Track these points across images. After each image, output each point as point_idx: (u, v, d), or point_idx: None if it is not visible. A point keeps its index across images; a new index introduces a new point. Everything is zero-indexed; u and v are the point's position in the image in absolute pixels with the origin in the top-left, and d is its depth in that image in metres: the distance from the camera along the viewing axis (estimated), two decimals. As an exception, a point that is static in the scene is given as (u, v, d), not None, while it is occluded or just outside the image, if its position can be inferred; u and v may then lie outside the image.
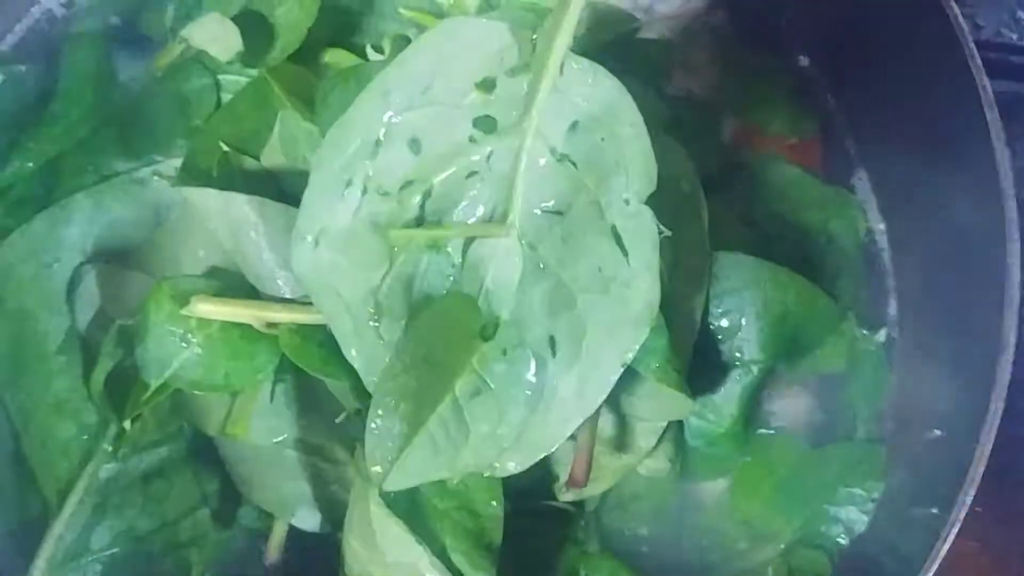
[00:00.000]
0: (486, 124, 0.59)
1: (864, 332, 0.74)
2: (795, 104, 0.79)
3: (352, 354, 0.60)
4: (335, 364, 0.62)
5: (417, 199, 0.60)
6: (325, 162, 0.59)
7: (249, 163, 0.73)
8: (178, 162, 0.74)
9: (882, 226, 0.77)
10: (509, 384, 0.58)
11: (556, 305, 0.58)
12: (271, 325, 0.64)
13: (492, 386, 0.59)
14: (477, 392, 0.58)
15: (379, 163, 0.59)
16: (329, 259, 0.59)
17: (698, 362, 0.66)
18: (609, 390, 0.58)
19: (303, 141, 0.69)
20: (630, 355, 0.57)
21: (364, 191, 0.59)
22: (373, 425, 0.57)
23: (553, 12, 0.58)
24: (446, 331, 0.59)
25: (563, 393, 0.58)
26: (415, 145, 0.59)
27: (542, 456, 0.59)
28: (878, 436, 0.73)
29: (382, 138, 0.59)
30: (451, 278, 0.60)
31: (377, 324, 0.60)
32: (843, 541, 0.71)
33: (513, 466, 0.59)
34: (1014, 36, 0.92)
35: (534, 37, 0.59)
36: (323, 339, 0.62)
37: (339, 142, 0.59)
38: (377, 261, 0.59)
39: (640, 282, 0.57)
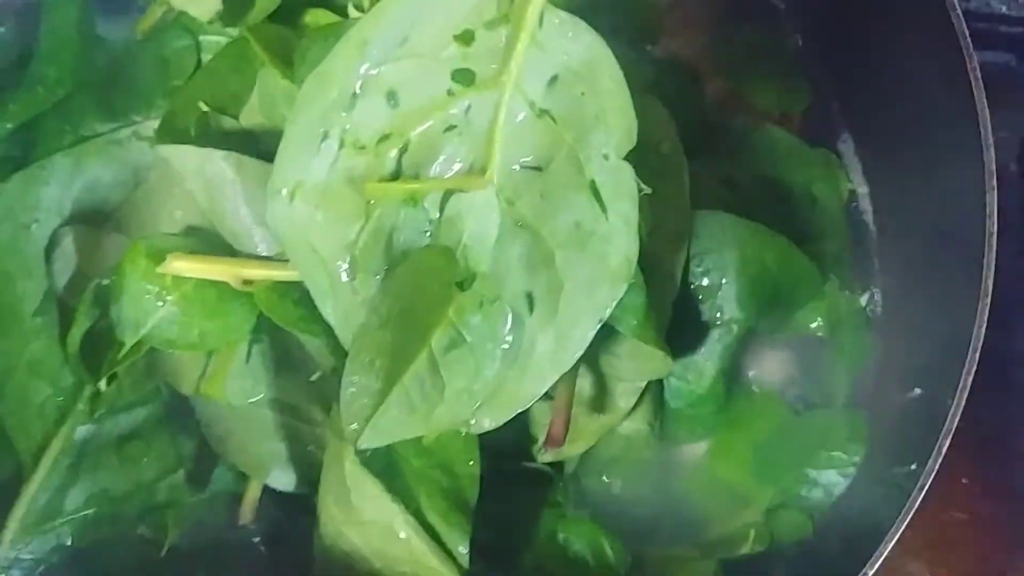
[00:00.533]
0: (464, 77, 0.58)
1: (847, 294, 0.73)
2: (786, 78, 0.78)
3: (327, 310, 0.59)
4: (311, 321, 0.61)
5: (394, 153, 0.59)
6: (301, 115, 0.58)
7: (228, 123, 0.72)
8: (157, 123, 0.73)
9: (865, 189, 0.76)
10: (485, 338, 0.58)
11: (534, 261, 0.58)
12: (247, 283, 0.63)
13: (468, 339, 0.58)
14: (453, 345, 0.58)
15: (356, 116, 0.58)
16: (304, 213, 0.58)
17: (678, 322, 0.66)
18: (585, 347, 0.57)
19: (281, 99, 0.68)
20: (607, 311, 0.56)
21: (340, 144, 0.58)
22: (348, 382, 0.57)
23: (530, -38, 0.57)
24: (422, 284, 0.58)
25: (540, 349, 0.58)
26: (392, 98, 0.58)
27: (517, 413, 0.58)
28: (859, 399, 0.72)
29: (358, 91, 0.58)
30: (428, 233, 0.60)
31: (353, 280, 0.59)
32: (824, 504, 0.70)
33: (488, 423, 0.59)
34: (1003, 7, 0.91)
35: (512, -11, 0.59)
36: (299, 296, 0.62)
37: (315, 95, 0.58)
38: (353, 216, 0.59)
39: (618, 237, 0.56)
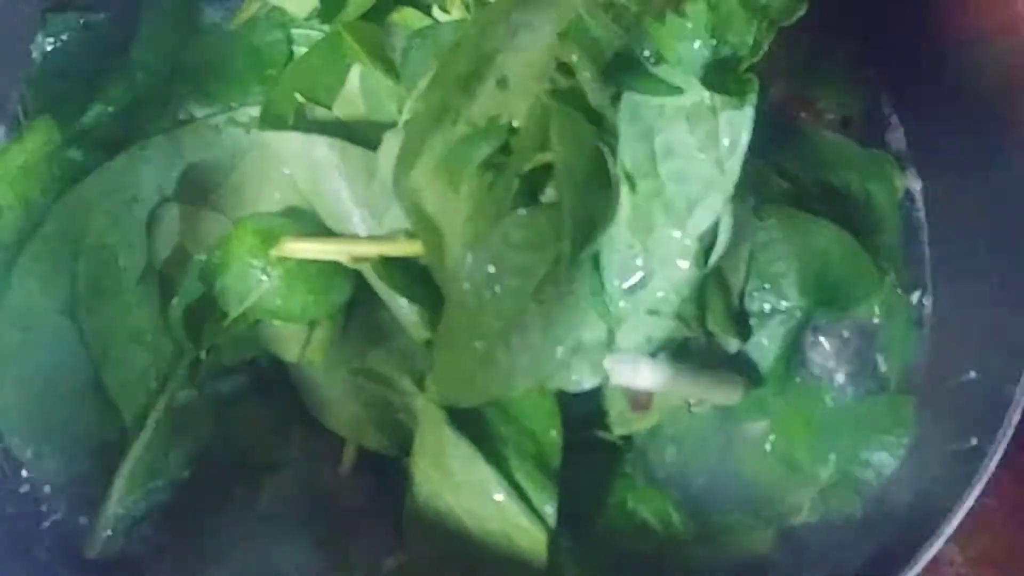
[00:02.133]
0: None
1: (899, 291, 0.78)
2: (845, 80, 0.82)
3: (438, 272, 0.65)
4: (419, 291, 0.67)
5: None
6: (426, 98, 0.64)
7: (322, 112, 0.77)
8: (252, 110, 0.78)
9: (919, 185, 0.81)
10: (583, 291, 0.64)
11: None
12: (357, 259, 0.68)
13: (568, 288, 0.63)
14: (553, 296, 0.63)
15: (471, 97, 0.64)
16: (423, 184, 0.64)
17: (745, 307, 0.72)
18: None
19: (385, 96, 0.73)
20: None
21: (455, 122, 0.64)
22: (443, 342, 0.63)
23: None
24: (530, 242, 0.64)
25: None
26: (503, 83, 0.64)
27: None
28: (910, 387, 0.77)
29: (473, 76, 0.64)
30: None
31: (464, 246, 0.64)
32: (874, 483, 0.75)
33: (589, 383, 0.66)
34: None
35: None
36: (406, 267, 0.67)
37: (438, 80, 0.65)
38: (467, 187, 0.64)
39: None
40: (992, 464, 0.60)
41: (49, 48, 0.80)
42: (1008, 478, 0.84)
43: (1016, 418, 0.60)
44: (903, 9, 0.76)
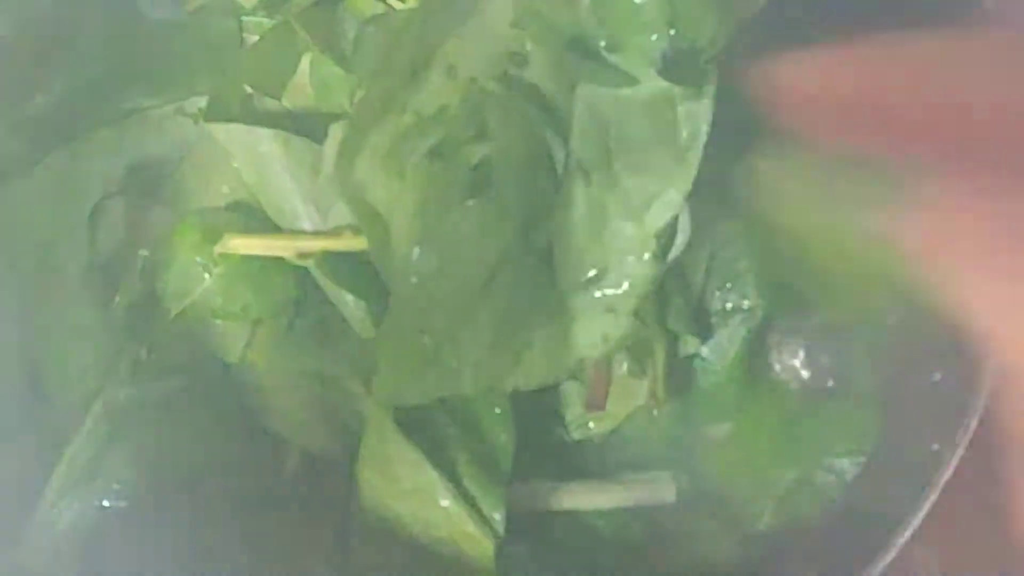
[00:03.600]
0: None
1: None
2: None
3: (384, 266, 0.63)
4: (366, 287, 0.65)
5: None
6: (370, 88, 0.62)
7: (270, 103, 0.74)
8: (200, 100, 0.75)
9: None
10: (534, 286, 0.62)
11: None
12: (302, 256, 0.66)
13: (517, 281, 0.62)
14: (501, 289, 0.61)
15: (418, 87, 0.61)
16: (367, 177, 0.62)
17: (706, 306, 0.70)
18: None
19: (336, 86, 0.71)
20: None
21: (403, 112, 0.61)
22: (388, 338, 0.60)
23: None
24: (477, 234, 0.61)
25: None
26: (452, 72, 0.61)
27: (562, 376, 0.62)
28: (878, 386, 0.75)
29: (421, 64, 0.62)
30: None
31: (409, 239, 0.62)
32: (835, 489, 0.73)
33: (536, 380, 0.63)
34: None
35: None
36: (352, 263, 0.65)
37: (382, 70, 0.62)
38: (412, 179, 0.62)
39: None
40: (948, 471, 0.58)
41: (-13, 37, 0.77)
42: (989, 480, 0.82)
43: (974, 423, 0.58)
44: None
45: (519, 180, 0.62)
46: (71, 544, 0.68)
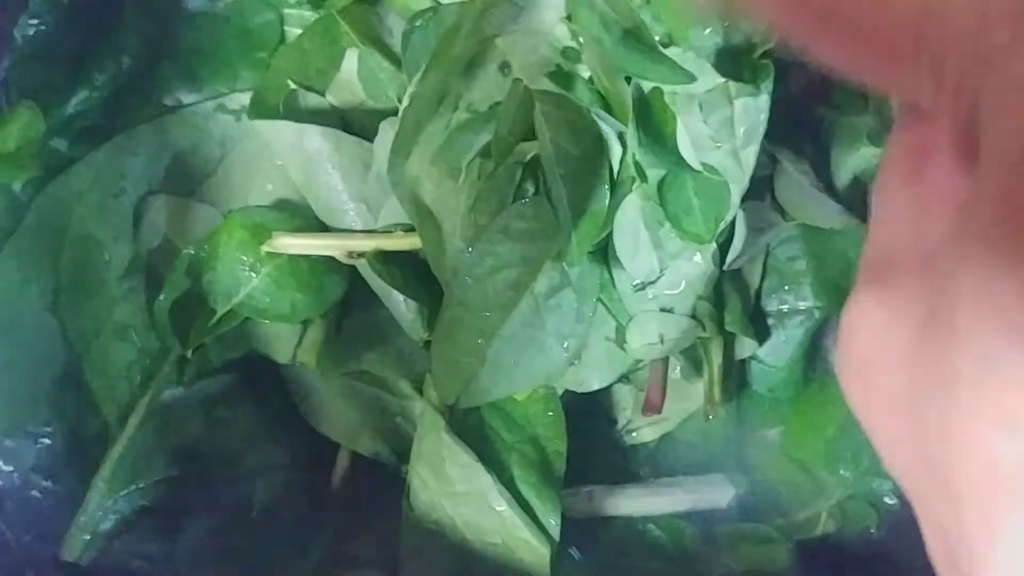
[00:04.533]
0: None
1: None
2: None
3: (438, 267, 0.62)
4: (418, 287, 0.64)
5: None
6: (422, 84, 0.60)
7: (315, 99, 0.73)
8: (243, 96, 0.75)
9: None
10: (588, 280, 0.61)
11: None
12: (352, 255, 0.65)
13: (572, 280, 0.60)
14: (555, 290, 0.60)
15: (471, 83, 0.60)
16: (421, 172, 0.61)
17: (763, 307, 0.68)
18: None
19: (386, 80, 0.70)
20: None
21: (455, 108, 0.60)
22: (442, 340, 0.60)
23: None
24: (528, 233, 0.60)
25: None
26: (505, 68, 0.60)
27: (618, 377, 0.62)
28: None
29: (475, 59, 0.60)
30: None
31: (463, 236, 0.61)
32: (892, 497, 0.72)
33: (596, 381, 0.63)
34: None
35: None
36: (403, 265, 0.64)
37: (437, 64, 0.61)
38: (465, 175, 0.61)
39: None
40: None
41: (32, 31, 0.76)
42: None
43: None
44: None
45: (573, 178, 0.60)
46: (115, 541, 0.68)
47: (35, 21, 0.76)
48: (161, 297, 0.70)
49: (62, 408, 0.71)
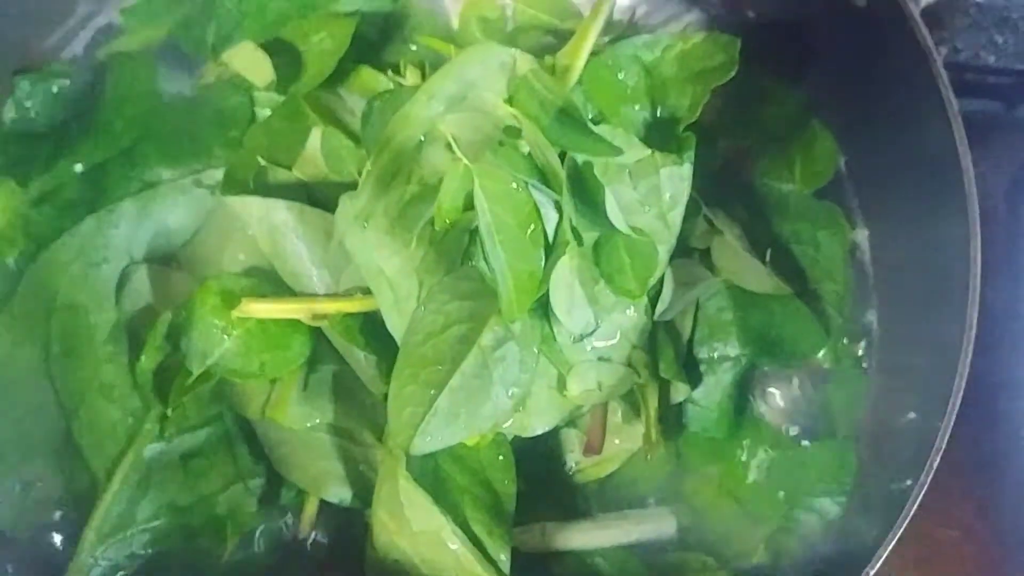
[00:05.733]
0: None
1: (844, 341, 0.81)
2: (794, 131, 0.85)
3: (392, 324, 0.68)
4: (377, 345, 0.70)
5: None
6: (378, 159, 0.68)
7: (282, 174, 0.80)
8: (216, 172, 0.81)
9: (865, 232, 0.84)
10: (531, 332, 0.67)
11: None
12: (317, 317, 0.70)
13: (516, 333, 0.66)
14: (501, 342, 0.66)
15: (421, 158, 0.67)
16: (376, 239, 0.67)
17: (695, 356, 0.75)
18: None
19: (347, 156, 0.76)
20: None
21: (408, 182, 0.67)
22: (397, 391, 0.65)
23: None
24: (473, 292, 0.67)
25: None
26: (451, 146, 0.67)
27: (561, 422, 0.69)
28: (858, 424, 0.79)
29: (424, 137, 0.68)
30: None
31: (415, 295, 0.68)
32: (817, 527, 0.77)
33: (540, 426, 0.70)
34: (991, 58, 0.98)
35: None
36: (363, 325, 0.70)
37: (389, 142, 0.67)
38: (417, 241, 0.67)
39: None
40: (914, 506, 0.62)
41: (17, 114, 0.83)
42: (972, 510, 0.86)
43: (936, 460, 0.63)
44: (849, 62, 0.79)
45: (510, 244, 0.67)
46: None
47: (23, 105, 0.83)
48: (142, 360, 0.75)
49: (54, 465, 0.76)
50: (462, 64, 0.70)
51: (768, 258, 0.77)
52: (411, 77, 0.80)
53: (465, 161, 0.64)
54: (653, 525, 0.76)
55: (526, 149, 0.69)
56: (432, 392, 0.66)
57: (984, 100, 0.98)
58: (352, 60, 0.81)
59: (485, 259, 0.65)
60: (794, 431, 0.80)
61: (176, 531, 0.75)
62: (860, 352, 0.81)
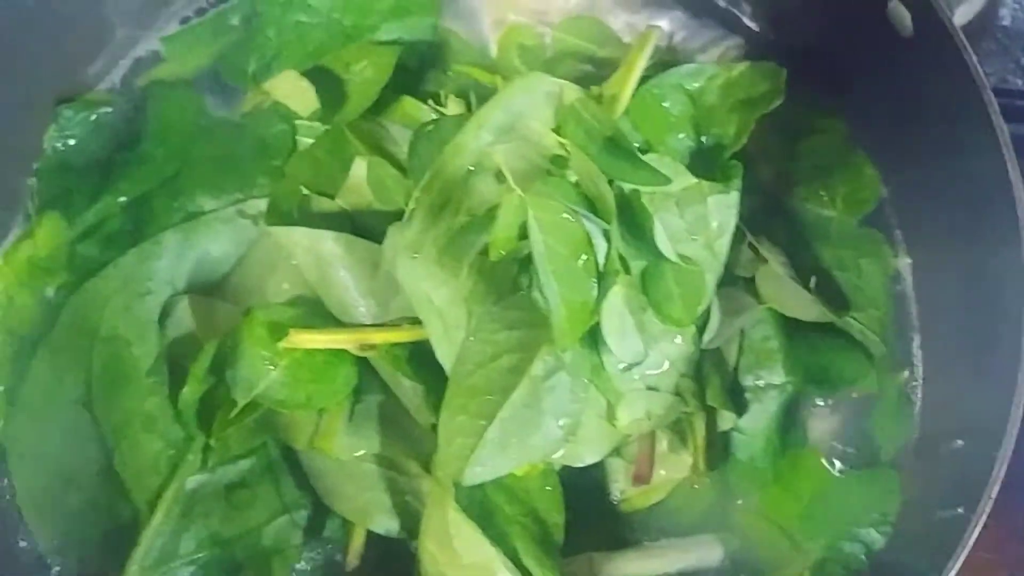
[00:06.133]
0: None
1: (889, 370, 0.80)
2: (837, 159, 0.84)
3: (442, 354, 0.68)
4: (424, 374, 0.70)
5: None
6: (426, 191, 0.68)
7: (325, 203, 0.80)
8: (259, 202, 0.81)
9: (908, 260, 0.83)
10: (582, 362, 0.67)
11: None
12: (365, 347, 0.70)
13: (567, 362, 0.66)
14: (551, 372, 0.66)
15: (469, 189, 0.68)
16: (425, 270, 0.67)
17: (741, 383, 0.75)
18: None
19: (393, 186, 0.76)
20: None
21: (457, 213, 0.67)
22: (448, 422, 0.65)
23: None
24: (523, 322, 0.67)
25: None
26: (500, 175, 0.67)
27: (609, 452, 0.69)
28: (899, 461, 0.79)
29: (472, 167, 0.68)
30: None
31: (465, 326, 0.67)
32: (862, 558, 0.77)
33: (589, 456, 0.69)
34: (1019, 82, 0.98)
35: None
36: (410, 354, 0.70)
37: (439, 172, 0.68)
38: (468, 271, 0.67)
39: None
40: (975, 533, 0.62)
41: (59, 143, 0.83)
42: (1007, 534, 0.86)
43: (996, 488, 0.62)
44: (893, 90, 0.79)
45: (562, 274, 0.67)
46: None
47: (62, 133, 0.83)
48: (186, 391, 0.74)
49: (97, 497, 0.76)
50: (510, 94, 0.70)
51: (813, 285, 0.77)
52: (453, 107, 0.81)
53: (519, 191, 0.64)
54: (699, 553, 0.76)
55: (573, 178, 0.69)
56: (483, 422, 0.65)
57: (1012, 124, 0.98)
58: (393, 89, 0.82)
59: (539, 289, 0.65)
60: (838, 460, 0.79)
61: (221, 564, 0.74)
62: (904, 380, 0.80)
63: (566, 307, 0.66)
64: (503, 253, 0.66)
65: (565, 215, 0.67)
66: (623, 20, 0.90)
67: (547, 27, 0.89)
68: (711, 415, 0.74)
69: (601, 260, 0.68)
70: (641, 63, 0.74)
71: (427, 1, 0.87)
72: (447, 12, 0.88)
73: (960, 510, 0.65)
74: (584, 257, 0.67)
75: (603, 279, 0.68)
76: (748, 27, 0.89)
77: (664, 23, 0.89)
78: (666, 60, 0.81)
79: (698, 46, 0.89)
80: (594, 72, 0.85)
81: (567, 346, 0.67)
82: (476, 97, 0.75)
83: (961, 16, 0.89)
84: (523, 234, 0.67)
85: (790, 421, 0.78)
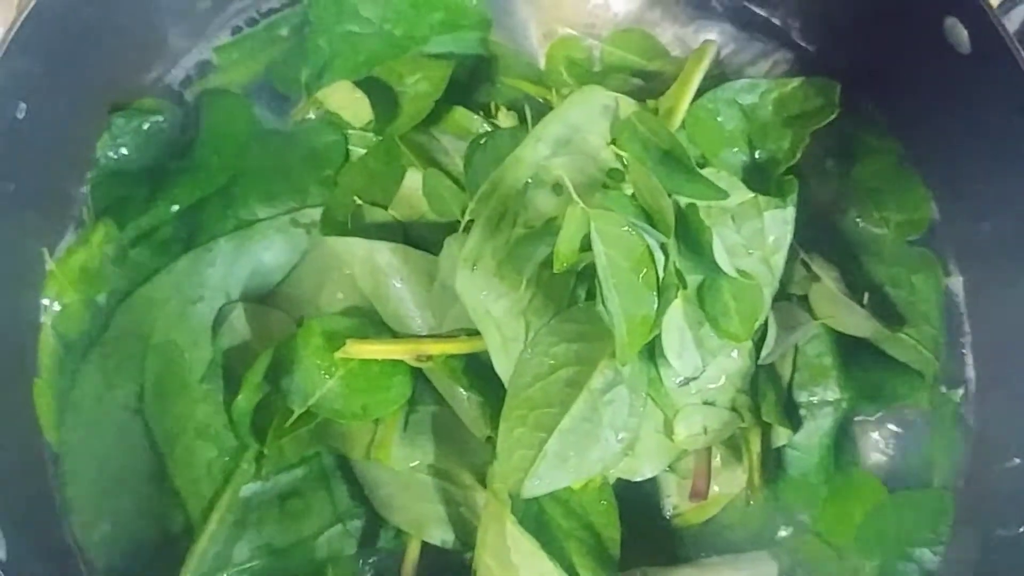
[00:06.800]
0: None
1: (942, 388, 0.80)
2: (891, 178, 0.84)
3: (500, 366, 0.68)
4: (480, 386, 0.70)
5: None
6: (484, 203, 0.69)
7: (379, 213, 0.80)
8: (313, 212, 0.82)
9: (960, 279, 0.83)
10: (640, 376, 0.67)
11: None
12: (420, 358, 0.71)
13: (625, 376, 0.66)
14: (611, 386, 0.66)
15: (527, 201, 0.68)
16: (484, 281, 0.67)
17: (795, 400, 0.75)
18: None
19: (449, 197, 0.76)
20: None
21: (514, 225, 0.68)
22: (507, 435, 0.65)
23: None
24: (582, 334, 0.67)
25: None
26: (557, 188, 0.68)
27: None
28: (953, 480, 0.79)
29: (531, 180, 0.69)
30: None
31: (523, 337, 0.68)
32: (918, 576, 0.77)
33: (648, 469, 0.70)
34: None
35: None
36: (467, 364, 0.71)
37: (497, 185, 0.69)
38: (528, 286, 0.68)
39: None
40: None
41: (112, 151, 0.84)
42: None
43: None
44: (947, 107, 0.79)
45: (624, 287, 0.67)
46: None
47: (115, 141, 0.83)
48: (240, 399, 0.75)
49: (148, 505, 0.76)
50: (567, 108, 0.71)
51: (866, 301, 0.77)
52: (505, 119, 0.81)
53: (581, 204, 0.65)
54: (753, 570, 0.75)
55: (630, 191, 0.70)
56: (542, 435, 0.66)
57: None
58: (444, 100, 0.82)
59: (602, 302, 0.65)
60: (892, 478, 0.79)
61: (274, 573, 0.75)
62: (958, 399, 0.80)
63: (627, 321, 0.66)
64: (566, 265, 0.66)
65: (626, 228, 0.67)
66: (671, 33, 0.90)
67: (595, 40, 0.89)
68: (766, 431, 0.74)
69: (660, 274, 0.68)
70: (697, 77, 0.74)
71: (477, 15, 0.87)
72: (496, 25, 0.88)
73: (1021, 529, 0.64)
74: (644, 271, 0.67)
75: (663, 293, 0.68)
76: (796, 42, 0.89)
77: (713, 36, 0.89)
78: (714, 74, 0.81)
79: (747, 59, 0.89)
80: (643, 85, 0.85)
81: (628, 359, 0.66)
82: (530, 110, 0.75)
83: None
84: (583, 246, 0.67)
85: (843, 438, 0.77)
